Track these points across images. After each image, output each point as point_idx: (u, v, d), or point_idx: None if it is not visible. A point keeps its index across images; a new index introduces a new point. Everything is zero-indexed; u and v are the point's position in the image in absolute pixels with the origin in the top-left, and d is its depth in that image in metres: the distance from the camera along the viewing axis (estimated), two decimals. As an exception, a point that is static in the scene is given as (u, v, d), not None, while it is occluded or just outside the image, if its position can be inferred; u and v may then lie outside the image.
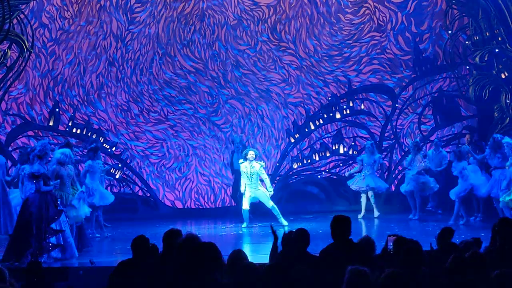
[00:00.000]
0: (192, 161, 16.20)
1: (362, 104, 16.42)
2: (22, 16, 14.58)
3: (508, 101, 14.73)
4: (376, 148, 15.23)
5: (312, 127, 16.28)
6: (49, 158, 10.75)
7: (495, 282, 5.02)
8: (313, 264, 6.11)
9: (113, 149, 15.67)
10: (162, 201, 16.01)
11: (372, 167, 14.41)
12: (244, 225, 13.45)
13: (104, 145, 15.60)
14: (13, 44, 14.36)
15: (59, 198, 10.36)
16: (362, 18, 16.35)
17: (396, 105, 16.29)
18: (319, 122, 16.29)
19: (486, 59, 14.94)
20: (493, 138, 12.82)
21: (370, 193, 14.41)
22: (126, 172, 15.82)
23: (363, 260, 5.57)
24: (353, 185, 14.61)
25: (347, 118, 16.36)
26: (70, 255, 10.17)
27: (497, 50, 14.68)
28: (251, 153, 13.30)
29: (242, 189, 13.51)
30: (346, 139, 16.36)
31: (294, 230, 7.00)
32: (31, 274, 6.92)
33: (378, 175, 14.97)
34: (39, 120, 15.53)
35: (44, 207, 9.93)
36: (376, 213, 14.36)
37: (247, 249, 10.93)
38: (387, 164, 16.06)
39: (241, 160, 13.57)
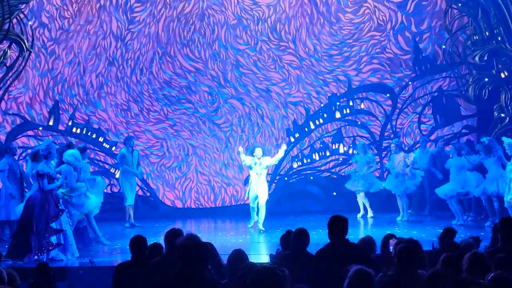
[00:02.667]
0: (192, 160, 16.19)
1: (362, 104, 16.43)
2: (22, 15, 14.58)
3: (508, 100, 14.74)
4: (376, 147, 15.24)
5: (312, 127, 16.29)
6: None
7: (492, 283, 4.99)
8: (310, 264, 6.12)
9: (113, 148, 15.65)
10: (162, 200, 16.01)
11: (368, 167, 14.41)
12: (251, 223, 13.11)
13: (104, 144, 15.62)
14: (13, 43, 14.36)
15: (68, 196, 10.51)
16: (362, 18, 16.35)
17: (397, 104, 16.32)
18: (319, 121, 16.30)
19: (485, 58, 14.94)
20: (482, 143, 12.79)
21: (362, 194, 14.47)
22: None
23: (359, 260, 5.56)
24: (348, 185, 14.67)
25: (347, 118, 16.37)
26: (71, 254, 10.23)
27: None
28: (258, 151, 13.04)
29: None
30: (346, 139, 16.37)
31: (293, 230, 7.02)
32: (40, 274, 6.96)
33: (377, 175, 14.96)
34: (39, 119, 15.53)
35: (45, 206, 9.98)
36: (370, 214, 14.41)
37: (247, 248, 10.91)
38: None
39: (248, 158, 13.16)
